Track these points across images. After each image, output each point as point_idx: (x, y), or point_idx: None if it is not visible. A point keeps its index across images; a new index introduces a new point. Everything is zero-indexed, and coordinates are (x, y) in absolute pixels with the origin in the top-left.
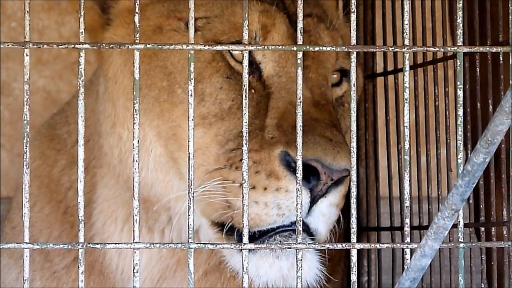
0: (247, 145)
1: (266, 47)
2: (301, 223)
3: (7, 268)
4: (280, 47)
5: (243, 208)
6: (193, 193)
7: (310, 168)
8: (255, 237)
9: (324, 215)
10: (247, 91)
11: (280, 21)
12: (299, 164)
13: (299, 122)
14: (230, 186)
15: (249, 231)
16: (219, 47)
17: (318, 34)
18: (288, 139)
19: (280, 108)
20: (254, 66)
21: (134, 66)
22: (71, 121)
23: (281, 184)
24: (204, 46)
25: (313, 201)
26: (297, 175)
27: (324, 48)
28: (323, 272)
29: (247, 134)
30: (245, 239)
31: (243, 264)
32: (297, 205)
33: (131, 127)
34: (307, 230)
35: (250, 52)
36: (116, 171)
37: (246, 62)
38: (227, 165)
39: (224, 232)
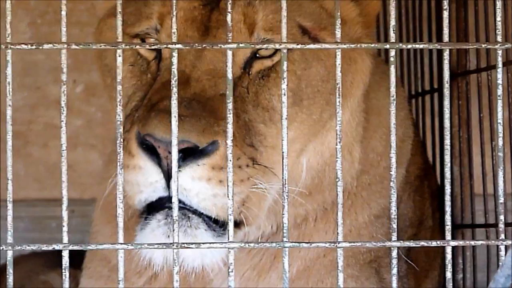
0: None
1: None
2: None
3: None
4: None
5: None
6: (287, 193)
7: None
8: (149, 212)
9: (189, 190)
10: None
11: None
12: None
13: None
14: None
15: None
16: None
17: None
18: (144, 117)
19: (154, 88)
20: (158, 52)
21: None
22: None
23: (135, 162)
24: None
25: (169, 177)
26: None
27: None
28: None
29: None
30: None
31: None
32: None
33: None
34: (190, 208)
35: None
36: None
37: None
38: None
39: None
